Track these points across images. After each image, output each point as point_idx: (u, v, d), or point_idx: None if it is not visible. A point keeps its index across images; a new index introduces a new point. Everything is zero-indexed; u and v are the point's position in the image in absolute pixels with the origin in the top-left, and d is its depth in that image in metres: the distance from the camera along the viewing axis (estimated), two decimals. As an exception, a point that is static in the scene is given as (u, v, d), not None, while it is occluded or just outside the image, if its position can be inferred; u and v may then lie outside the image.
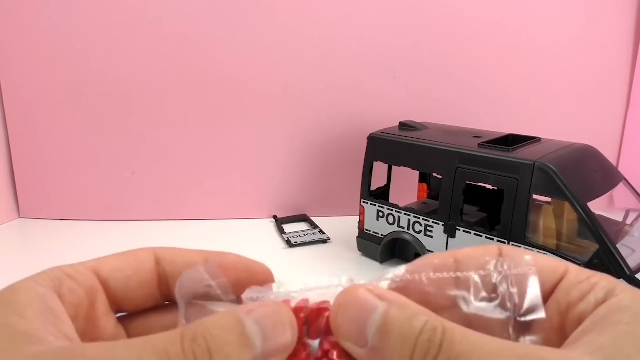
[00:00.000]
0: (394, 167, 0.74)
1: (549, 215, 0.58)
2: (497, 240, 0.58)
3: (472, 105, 0.88)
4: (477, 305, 0.21)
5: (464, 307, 0.21)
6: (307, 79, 0.84)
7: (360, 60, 0.84)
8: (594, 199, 0.55)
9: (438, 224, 0.64)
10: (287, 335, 0.19)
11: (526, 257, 0.21)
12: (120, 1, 0.78)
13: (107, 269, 0.23)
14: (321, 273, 0.67)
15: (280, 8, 0.81)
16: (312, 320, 0.20)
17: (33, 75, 0.80)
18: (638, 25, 0.89)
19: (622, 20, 0.89)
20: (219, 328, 0.17)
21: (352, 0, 0.82)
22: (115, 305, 0.24)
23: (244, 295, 0.21)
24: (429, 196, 0.78)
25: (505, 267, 0.21)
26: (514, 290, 0.20)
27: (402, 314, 0.18)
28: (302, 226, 0.85)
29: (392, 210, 0.69)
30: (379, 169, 0.72)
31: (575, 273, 0.21)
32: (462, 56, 0.86)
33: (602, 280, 0.20)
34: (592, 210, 0.53)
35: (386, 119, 0.76)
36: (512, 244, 0.57)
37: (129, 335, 0.24)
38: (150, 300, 0.25)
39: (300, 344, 0.20)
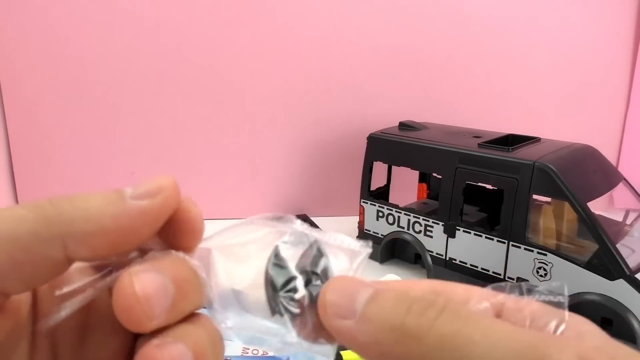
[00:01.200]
0: (394, 167, 0.74)
1: (549, 215, 0.58)
2: (497, 241, 0.59)
3: (472, 105, 0.88)
4: None
5: None
6: (307, 80, 0.84)
7: (360, 60, 0.84)
8: (594, 199, 0.55)
9: (438, 224, 0.64)
10: (164, 180, 0.18)
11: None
12: (120, 2, 0.78)
13: None
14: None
15: (281, 9, 0.81)
16: None
17: (33, 75, 0.80)
18: (638, 25, 0.89)
19: (622, 20, 0.89)
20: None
21: (353, 1, 0.82)
22: None
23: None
24: (429, 196, 0.78)
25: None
26: None
27: (397, 290, 0.17)
28: (302, 226, 0.85)
29: (392, 210, 0.69)
30: (379, 169, 0.72)
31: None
32: (462, 56, 0.86)
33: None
34: (592, 210, 0.53)
35: (386, 119, 0.76)
36: (512, 245, 0.57)
37: None
38: None
39: None
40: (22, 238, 0.16)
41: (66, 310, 0.17)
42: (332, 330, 0.18)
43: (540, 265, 0.55)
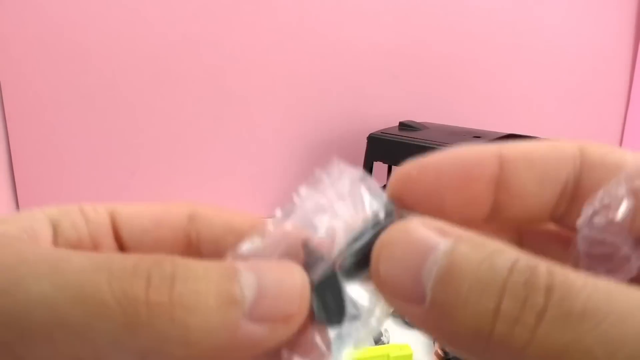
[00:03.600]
0: (394, 167, 0.74)
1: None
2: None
3: (472, 105, 0.88)
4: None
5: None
6: (307, 80, 0.84)
7: (360, 60, 0.84)
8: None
9: (438, 224, 0.64)
10: (294, 302, 0.13)
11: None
12: (121, 1, 0.78)
13: (124, 214, 0.18)
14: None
15: (281, 8, 0.81)
16: None
17: (33, 75, 0.80)
18: (638, 25, 0.89)
19: (622, 20, 0.89)
20: (200, 264, 0.13)
21: (353, 1, 0.82)
22: None
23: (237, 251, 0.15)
24: (429, 196, 0.78)
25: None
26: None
27: (475, 252, 0.12)
28: (302, 226, 0.85)
29: (392, 210, 0.69)
30: (379, 169, 0.72)
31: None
32: (462, 56, 0.86)
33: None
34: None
35: (386, 119, 0.76)
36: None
37: None
38: None
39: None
40: (96, 339, 0.12)
41: None
42: (399, 311, 0.14)
43: (540, 265, 0.55)
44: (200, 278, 0.12)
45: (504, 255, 0.12)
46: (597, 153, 0.15)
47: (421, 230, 0.13)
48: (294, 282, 0.14)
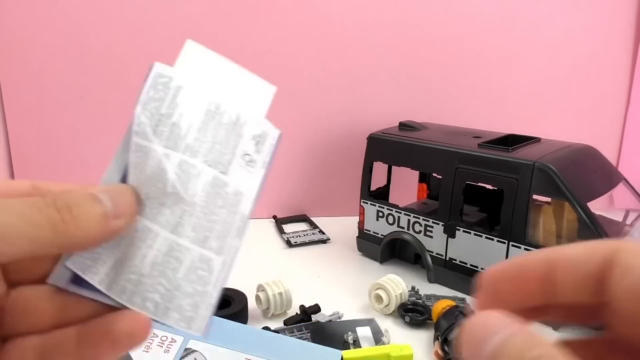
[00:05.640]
0: (394, 167, 0.74)
1: (549, 215, 0.58)
2: (497, 241, 0.59)
3: (472, 105, 0.88)
4: None
5: None
6: (307, 80, 0.84)
7: (360, 60, 0.84)
8: (594, 199, 0.55)
9: (438, 224, 0.64)
10: (129, 197, 0.23)
11: None
12: (121, 1, 0.78)
13: None
14: (321, 273, 0.67)
15: (281, 8, 0.81)
16: None
17: (33, 75, 0.80)
18: (638, 25, 0.89)
19: (622, 20, 0.89)
20: (75, 193, 0.21)
21: (353, 1, 0.82)
22: None
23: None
24: (429, 196, 0.78)
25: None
26: None
27: (521, 344, 0.17)
28: (302, 226, 0.85)
29: (392, 210, 0.69)
30: (379, 169, 0.72)
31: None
32: (462, 56, 0.86)
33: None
34: (592, 210, 0.53)
35: (386, 119, 0.76)
36: (512, 245, 0.57)
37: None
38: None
39: None
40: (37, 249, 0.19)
41: None
42: None
43: (540, 265, 0.55)
44: (85, 203, 0.21)
45: (535, 349, 0.16)
46: (628, 255, 0.18)
47: (497, 318, 0.18)
48: (125, 189, 0.23)
